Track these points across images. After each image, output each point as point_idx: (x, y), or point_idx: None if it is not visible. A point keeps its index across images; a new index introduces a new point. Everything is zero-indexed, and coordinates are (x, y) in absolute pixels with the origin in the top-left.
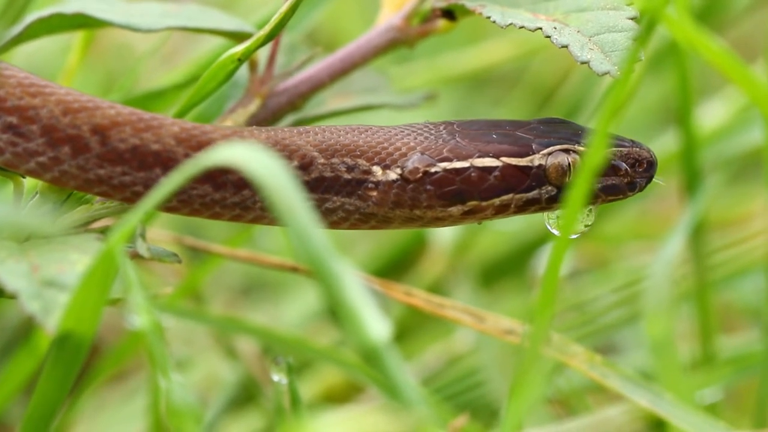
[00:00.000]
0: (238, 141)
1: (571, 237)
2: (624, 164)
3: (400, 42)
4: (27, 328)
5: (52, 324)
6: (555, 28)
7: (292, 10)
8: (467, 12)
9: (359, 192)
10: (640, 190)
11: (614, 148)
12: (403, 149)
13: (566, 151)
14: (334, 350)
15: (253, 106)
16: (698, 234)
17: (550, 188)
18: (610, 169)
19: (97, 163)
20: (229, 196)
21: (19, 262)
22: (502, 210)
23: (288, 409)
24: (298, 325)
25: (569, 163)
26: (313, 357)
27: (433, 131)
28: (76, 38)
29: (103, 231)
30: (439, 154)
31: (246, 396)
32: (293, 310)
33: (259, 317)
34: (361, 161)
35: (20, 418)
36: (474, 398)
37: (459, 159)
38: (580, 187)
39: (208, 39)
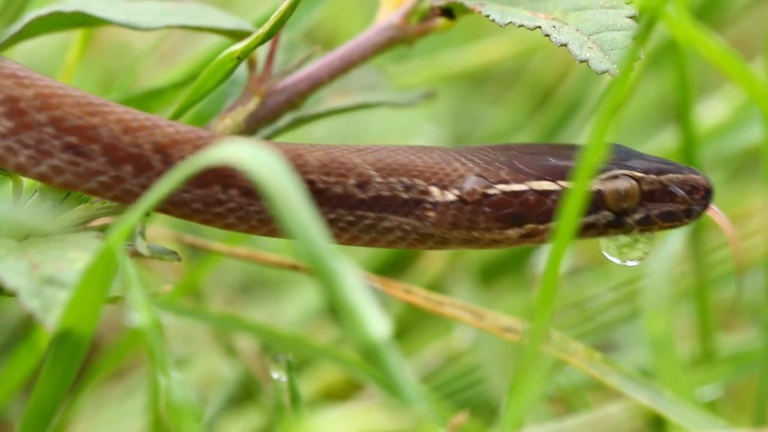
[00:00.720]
0: (293, 158)
1: (630, 264)
2: (681, 191)
3: (399, 40)
4: (27, 325)
5: (51, 321)
6: (554, 26)
7: (291, 9)
8: (466, 10)
9: (417, 212)
10: (697, 217)
11: (671, 175)
12: (461, 170)
13: (624, 176)
14: (333, 348)
15: (252, 105)
16: (697, 232)
17: (607, 213)
18: (667, 196)
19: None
20: None
21: (19, 260)
22: None
23: (288, 406)
24: (297, 322)
25: (627, 189)
26: (312, 355)
27: (491, 153)
28: (75, 36)
29: (103, 229)
30: (497, 177)
31: (245, 394)
32: (293, 308)
33: (258, 315)
34: (418, 181)
35: (20, 415)
36: (474, 396)
37: (517, 182)
38: (575, 198)
39: (206, 37)
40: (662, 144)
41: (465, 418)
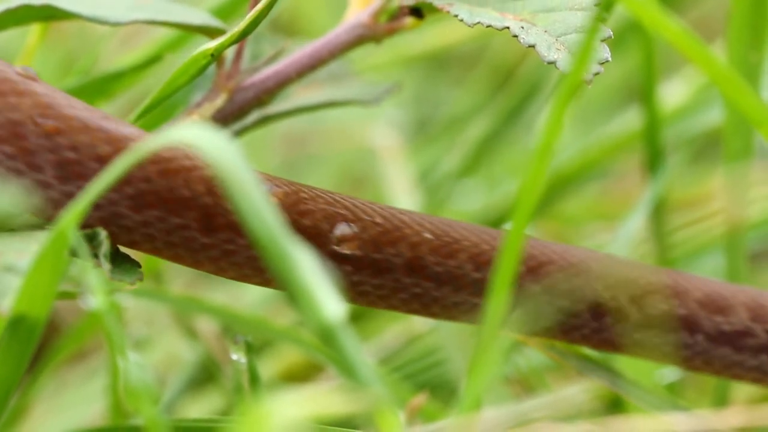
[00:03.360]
0: (677, 291)
1: None
2: None
3: (367, 39)
4: None
5: (5, 306)
6: (522, 27)
7: (268, 8)
8: (435, 10)
9: None
10: None
11: None
12: None
13: None
14: (293, 330)
15: (220, 101)
16: (658, 213)
17: None
18: None
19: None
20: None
21: None
22: None
23: (247, 388)
24: (258, 305)
25: None
26: (272, 337)
27: None
28: None
29: None
30: None
31: (206, 375)
32: (253, 291)
33: (218, 297)
34: None
35: None
36: (433, 377)
37: None
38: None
39: None
40: (624, 125)
41: (424, 400)
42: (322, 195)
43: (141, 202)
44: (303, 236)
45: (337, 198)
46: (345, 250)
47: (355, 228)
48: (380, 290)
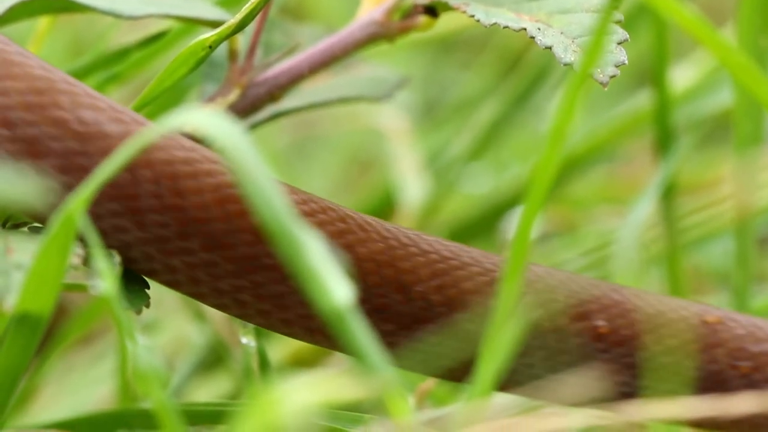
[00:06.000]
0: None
1: None
2: None
3: (380, 37)
4: None
5: (9, 303)
6: (539, 29)
7: (264, 1)
8: (450, 9)
9: None
10: None
11: None
12: None
13: None
14: None
15: (233, 96)
16: (668, 197)
17: None
18: None
19: None
20: None
21: None
22: None
23: (256, 372)
24: None
25: None
26: None
27: None
28: None
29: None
30: None
31: (214, 359)
32: None
33: None
34: None
35: None
36: None
37: None
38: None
39: None
40: (635, 107)
41: (434, 384)
42: None
43: None
44: None
45: None
46: None
47: None
48: None
